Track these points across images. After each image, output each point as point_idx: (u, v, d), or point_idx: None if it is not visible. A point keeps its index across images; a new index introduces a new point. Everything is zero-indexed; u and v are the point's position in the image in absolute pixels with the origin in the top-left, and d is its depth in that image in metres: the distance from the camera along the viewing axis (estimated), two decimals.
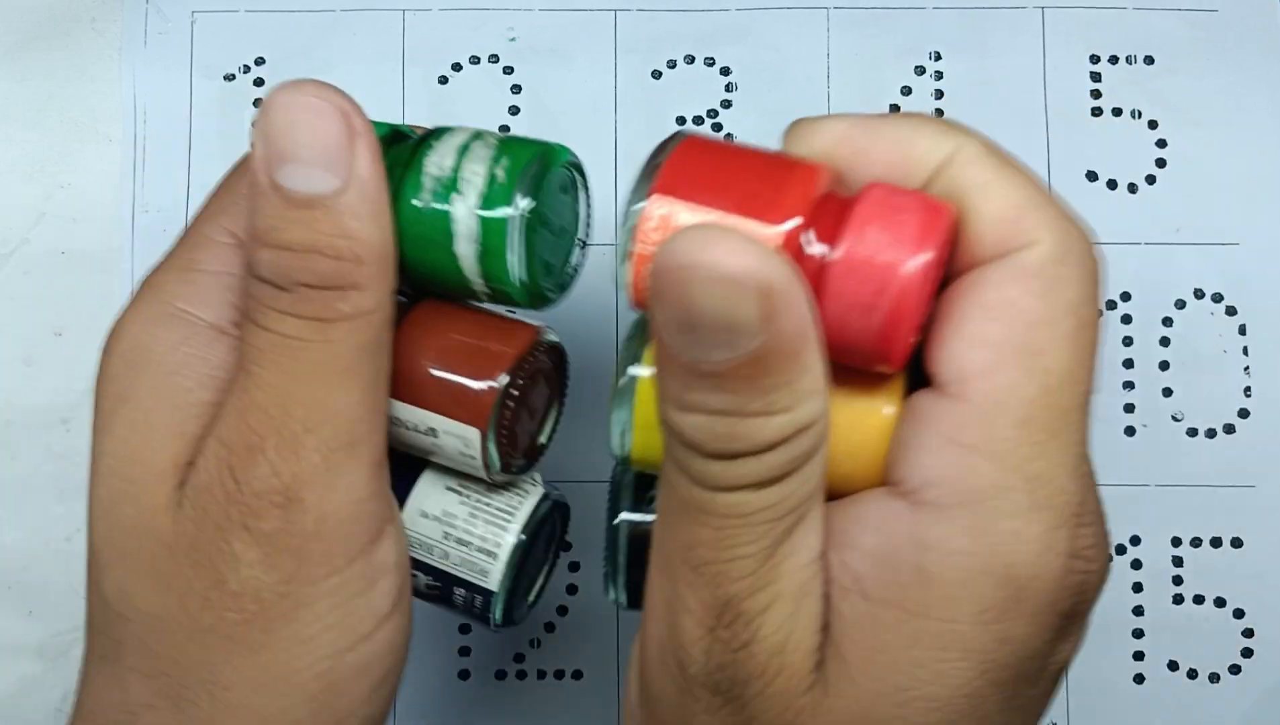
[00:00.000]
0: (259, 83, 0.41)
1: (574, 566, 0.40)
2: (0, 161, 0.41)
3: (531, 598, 0.31)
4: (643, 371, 0.24)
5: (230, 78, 0.42)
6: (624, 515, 0.27)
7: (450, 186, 0.25)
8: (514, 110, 0.41)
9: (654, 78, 0.42)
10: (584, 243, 0.28)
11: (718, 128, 0.41)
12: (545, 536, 0.30)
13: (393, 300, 0.25)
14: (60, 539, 0.40)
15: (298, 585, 0.24)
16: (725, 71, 0.42)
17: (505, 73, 0.42)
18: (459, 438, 0.26)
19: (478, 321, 0.27)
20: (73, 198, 0.41)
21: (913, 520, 0.22)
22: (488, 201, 0.25)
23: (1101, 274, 0.23)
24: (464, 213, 0.25)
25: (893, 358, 0.22)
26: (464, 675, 0.40)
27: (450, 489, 0.29)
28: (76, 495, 0.40)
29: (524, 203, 0.25)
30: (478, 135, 0.26)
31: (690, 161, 0.23)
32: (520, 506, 0.29)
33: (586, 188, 0.28)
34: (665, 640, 0.23)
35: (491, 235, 0.25)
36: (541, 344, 0.27)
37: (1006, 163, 0.23)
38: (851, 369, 0.23)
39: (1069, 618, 0.23)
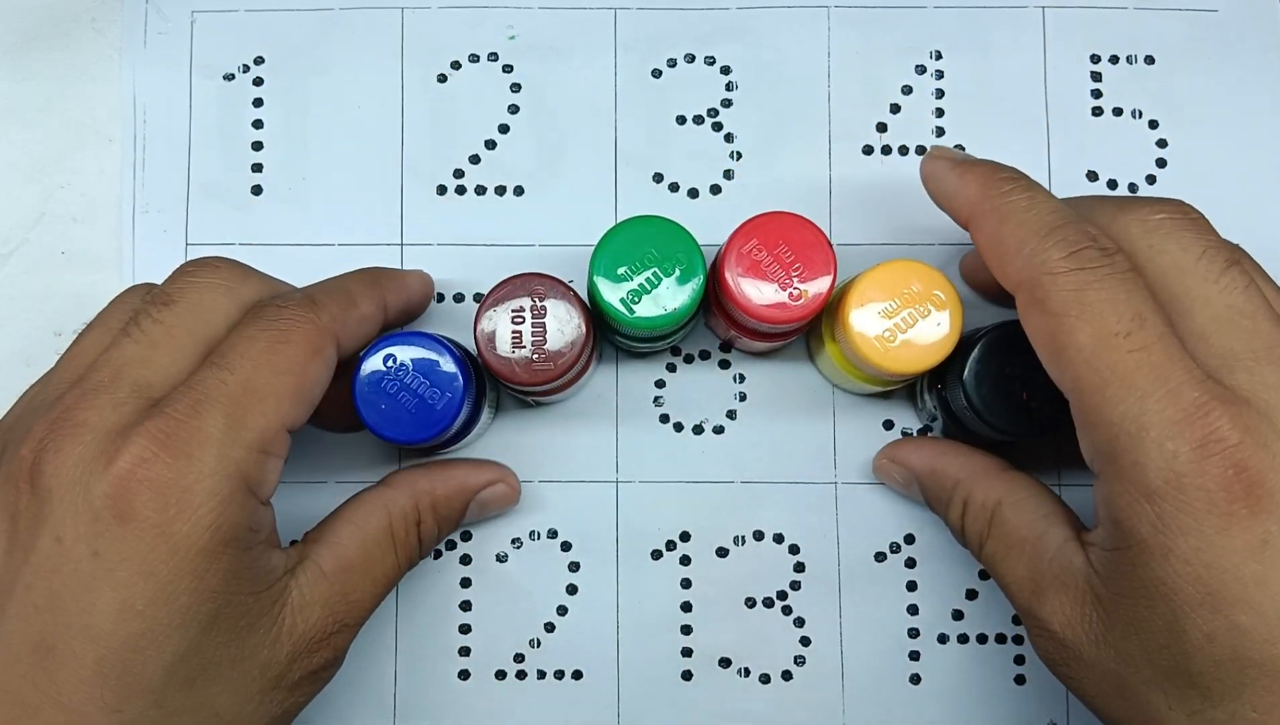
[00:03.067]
0: (259, 82, 0.42)
1: (574, 567, 0.40)
2: (0, 161, 0.41)
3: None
4: None
5: (230, 77, 0.42)
6: None
7: None
8: (513, 109, 0.41)
9: (654, 76, 0.42)
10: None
11: (718, 127, 0.41)
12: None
13: None
14: None
15: None
16: (725, 70, 0.41)
17: (505, 71, 0.42)
18: None
19: None
20: (73, 198, 0.41)
21: (1099, 488, 0.31)
22: None
23: None
24: None
25: None
26: (464, 675, 0.40)
27: None
28: None
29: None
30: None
31: None
32: None
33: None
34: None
35: None
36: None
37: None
38: None
39: None
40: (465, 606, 0.40)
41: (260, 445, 0.30)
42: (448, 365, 0.34)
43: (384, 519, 0.35)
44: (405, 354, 0.34)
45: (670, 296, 0.34)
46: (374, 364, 0.34)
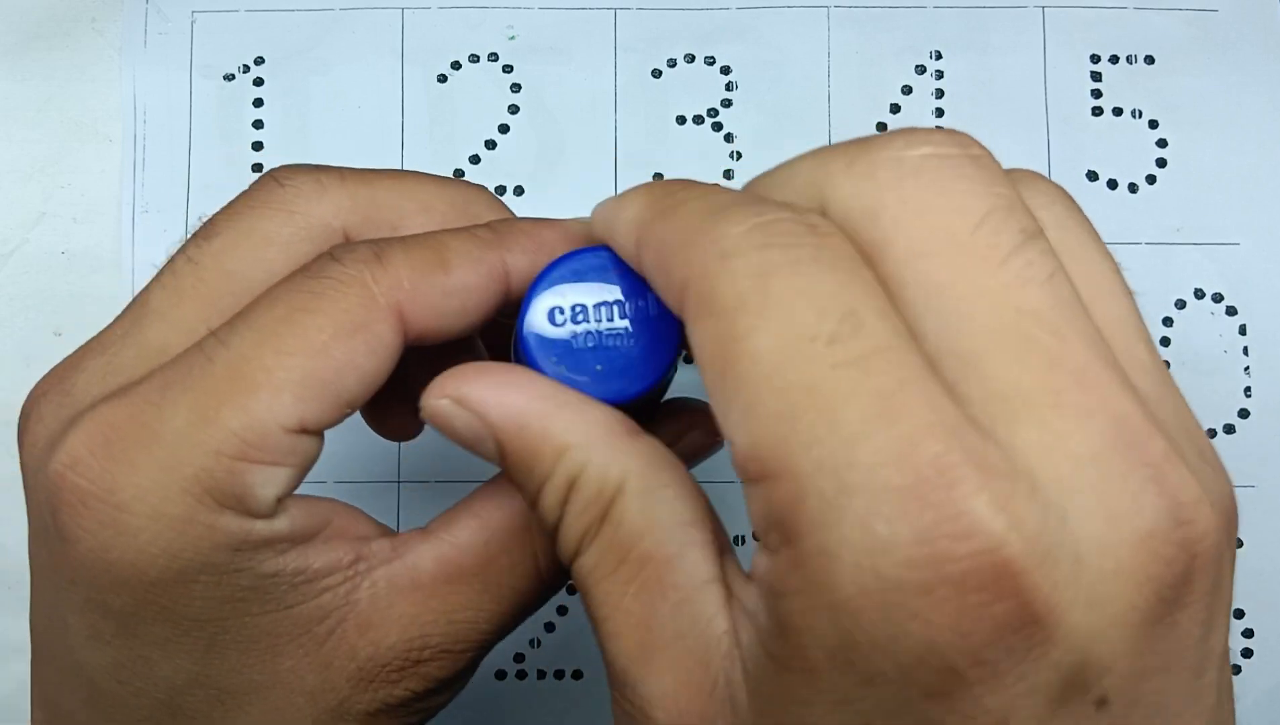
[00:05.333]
0: (259, 82, 0.42)
1: None
2: (0, 161, 0.41)
3: None
4: None
5: (230, 78, 0.42)
6: None
7: None
8: (513, 109, 0.41)
9: (654, 76, 0.42)
10: None
11: (718, 127, 0.41)
12: None
13: None
14: None
15: None
16: (725, 70, 0.42)
17: (505, 71, 0.42)
18: None
19: None
20: (73, 198, 0.41)
21: (765, 563, 0.19)
22: None
23: None
24: None
25: None
26: None
27: None
28: None
29: None
30: None
31: None
32: None
33: None
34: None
35: None
36: None
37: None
38: None
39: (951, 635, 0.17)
40: None
41: (235, 450, 0.22)
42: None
43: (521, 513, 0.25)
44: (578, 297, 0.24)
45: None
46: (540, 321, 0.24)
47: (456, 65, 0.42)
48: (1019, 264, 0.18)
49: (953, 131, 0.20)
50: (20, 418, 0.25)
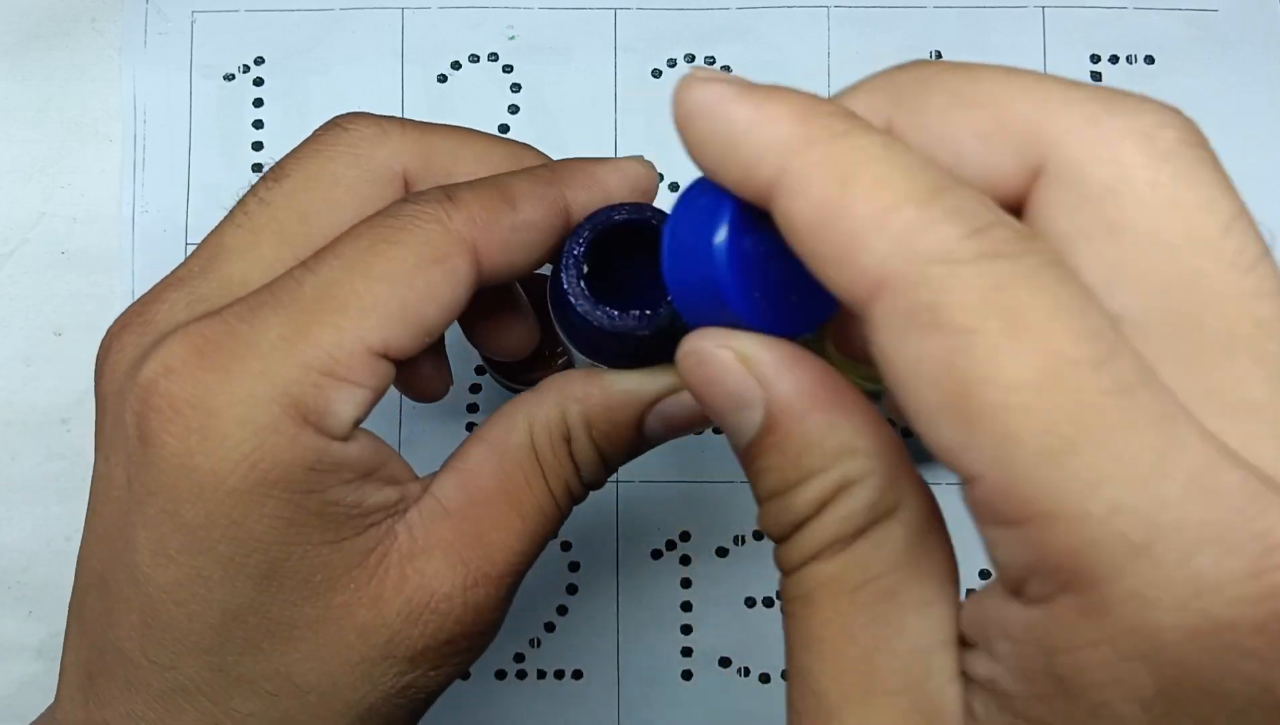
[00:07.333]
0: (258, 82, 0.42)
1: (574, 566, 0.40)
2: (0, 161, 0.41)
3: None
4: None
5: (230, 77, 0.42)
6: None
7: None
8: (513, 109, 0.41)
9: (654, 76, 0.42)
10: None
11: None
12: None
13: None
14: (60, 539, 0.40)
15: None
16: (726, 70, 0.42)
17: (505, 71, 0.42)
18: None
19: None
20: (73, 198, 0.41)
21: (1026, 617, 0.17)
22: None
23: None
24: None
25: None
26: (464, 675, 0.40)
27: None
28: (76, 495, 0.40)
29: None
30: None
31: None
32: None
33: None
34: None
35: None
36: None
37: None
38: None
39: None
40: None
41: (323, 365, 0.23)
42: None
43: (524, 433, 0.26)
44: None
45: None
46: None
47: (456, 65, 0.42)
48: (1261, 272, 0.17)
49: (1186, 120, 0.19)
50: (99, 351, 0.26)
